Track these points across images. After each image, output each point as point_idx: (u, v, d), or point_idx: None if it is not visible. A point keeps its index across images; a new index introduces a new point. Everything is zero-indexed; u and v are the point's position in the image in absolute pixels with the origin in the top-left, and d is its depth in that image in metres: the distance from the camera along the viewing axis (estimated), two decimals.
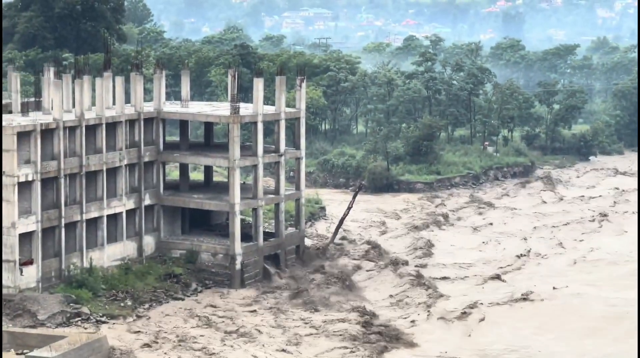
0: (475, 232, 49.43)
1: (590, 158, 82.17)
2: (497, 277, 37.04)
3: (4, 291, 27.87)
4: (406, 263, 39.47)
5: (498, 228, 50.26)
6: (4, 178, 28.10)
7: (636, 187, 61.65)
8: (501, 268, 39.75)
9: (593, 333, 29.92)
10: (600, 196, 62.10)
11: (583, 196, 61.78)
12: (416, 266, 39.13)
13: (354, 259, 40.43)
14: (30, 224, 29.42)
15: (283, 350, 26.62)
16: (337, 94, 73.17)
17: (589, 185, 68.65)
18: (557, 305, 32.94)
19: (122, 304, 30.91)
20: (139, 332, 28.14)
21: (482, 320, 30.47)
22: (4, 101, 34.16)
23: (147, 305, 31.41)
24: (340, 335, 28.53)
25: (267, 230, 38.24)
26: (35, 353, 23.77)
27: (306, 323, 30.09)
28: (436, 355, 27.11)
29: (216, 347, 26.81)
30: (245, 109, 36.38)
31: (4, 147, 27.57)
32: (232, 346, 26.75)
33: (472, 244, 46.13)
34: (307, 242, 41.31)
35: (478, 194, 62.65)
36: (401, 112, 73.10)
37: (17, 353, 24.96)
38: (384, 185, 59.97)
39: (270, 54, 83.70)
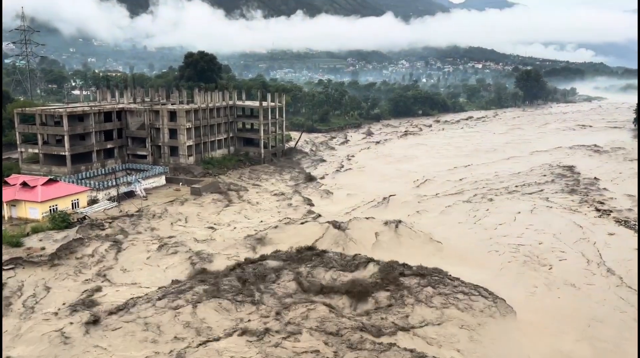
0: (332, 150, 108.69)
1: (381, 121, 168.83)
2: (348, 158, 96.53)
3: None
4: (315, 152, 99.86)
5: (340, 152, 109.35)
6: (180, 124, 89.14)
7: None
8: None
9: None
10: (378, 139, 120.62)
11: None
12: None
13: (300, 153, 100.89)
14: (190, 141, 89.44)
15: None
16: (295, 98, 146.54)
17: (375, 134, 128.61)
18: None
19: (223, 169, 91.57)
20: (231, 178, 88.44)
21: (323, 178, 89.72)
22: (181, 99, 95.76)
23: (231, 169, 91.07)
24: (295, 176, 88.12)
25: (272, 144, 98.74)
26: (193, 185, 75.55)
27: (287, 172, 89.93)
28: (328, 187, 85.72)
29: (263, 178, 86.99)
30: (267, 103, 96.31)
31: (179, 117, 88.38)
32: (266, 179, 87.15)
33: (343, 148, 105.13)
34: (285, 147, 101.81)
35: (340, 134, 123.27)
36: (317, 103, 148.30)
37: (184, 185, 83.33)
38: (311, 130, 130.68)
39: (274, 85, 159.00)
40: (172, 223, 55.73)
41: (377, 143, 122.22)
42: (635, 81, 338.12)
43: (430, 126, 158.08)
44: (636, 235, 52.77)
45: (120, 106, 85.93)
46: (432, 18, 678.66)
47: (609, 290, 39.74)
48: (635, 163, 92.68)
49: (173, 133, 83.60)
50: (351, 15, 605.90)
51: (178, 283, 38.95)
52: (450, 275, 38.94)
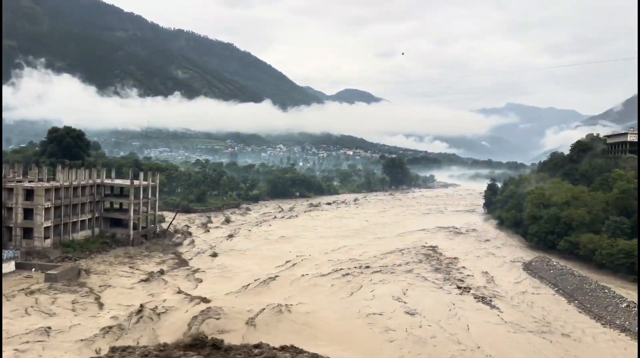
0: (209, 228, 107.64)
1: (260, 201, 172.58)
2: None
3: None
4: (190, 233, 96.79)
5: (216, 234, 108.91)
6: (38, 203, 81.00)
7: None
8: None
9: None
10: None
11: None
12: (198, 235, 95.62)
13: (173, 234, 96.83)
14: (48, 222, 79.79)
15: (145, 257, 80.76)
16: (171, 178, 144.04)
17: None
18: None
19: (85, 253, 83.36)
20: (93, 264, 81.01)
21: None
22: (41, 177, 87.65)
23: (95, 253, 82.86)
24: (165, 260, 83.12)
25: (143, 225, 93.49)
26: (49, 271, 63.38)
27: (158, 254, 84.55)
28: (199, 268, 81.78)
29: (129, 262, 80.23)
30: (139, 181, 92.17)
31: (37, 196, 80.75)
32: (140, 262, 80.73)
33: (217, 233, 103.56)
34: (158, 228, 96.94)
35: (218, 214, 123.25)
36: (194, 183, 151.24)
37: (38, 271, 67.68)
38: (187, 210, 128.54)
39: (148, 163, 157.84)
40: None
41: (255, 224, 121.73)
42: (482, 171, 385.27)
43: (306, 207, 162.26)
44: (492, 309, 57.43)
45: None
46: (308, 107, 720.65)
47: None
48: (486, 243, 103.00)
49: (28, 213, 75.43)
50: (230, 99, 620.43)
51: None
52: None
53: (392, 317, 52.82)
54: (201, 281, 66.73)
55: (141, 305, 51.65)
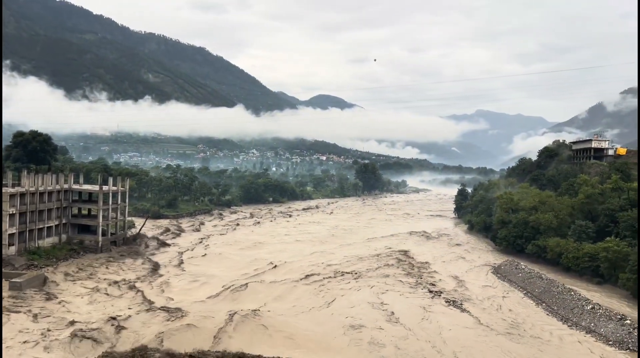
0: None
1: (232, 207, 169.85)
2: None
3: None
4: (160, 240, 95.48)
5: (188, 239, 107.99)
6: (2, 209, 78.57)
7: None
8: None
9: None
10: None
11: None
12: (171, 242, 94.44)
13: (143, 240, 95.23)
14: (13, 229, 77.65)
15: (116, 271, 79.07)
16: (141, 183, 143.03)
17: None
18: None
19: (51, 260, 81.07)
20: (60, 272, 78.88)
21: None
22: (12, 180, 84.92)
23: (62, 260, 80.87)
24: (136, 267, 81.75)
25: (112, 231, 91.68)
26: (13, 279, 61.87)
27: (126, 261, 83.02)
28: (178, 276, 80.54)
29: (97, 270, 78.56)
30: (108, 187, 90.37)
31: (9, 205, 78.49)
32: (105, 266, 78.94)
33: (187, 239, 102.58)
34: (128, 234, 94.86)
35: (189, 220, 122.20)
36: (165, 188, 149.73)
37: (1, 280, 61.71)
38: (157, 216, 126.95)
39: (118, 168, 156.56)
40: None
41: (228, 229, 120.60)
42: (453, 176, 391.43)
43: (279, 213, 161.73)
44: (462, 313, 58.28)
45: None
46: (281, 113, 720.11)
47: None
48: (457, 247, 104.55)
49: None
50: (202, 104, 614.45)
51: None
52: None
53: (375, 327, 52.06)
54: (171, 289, 65.60)
55: (98, 327, 48.36)
